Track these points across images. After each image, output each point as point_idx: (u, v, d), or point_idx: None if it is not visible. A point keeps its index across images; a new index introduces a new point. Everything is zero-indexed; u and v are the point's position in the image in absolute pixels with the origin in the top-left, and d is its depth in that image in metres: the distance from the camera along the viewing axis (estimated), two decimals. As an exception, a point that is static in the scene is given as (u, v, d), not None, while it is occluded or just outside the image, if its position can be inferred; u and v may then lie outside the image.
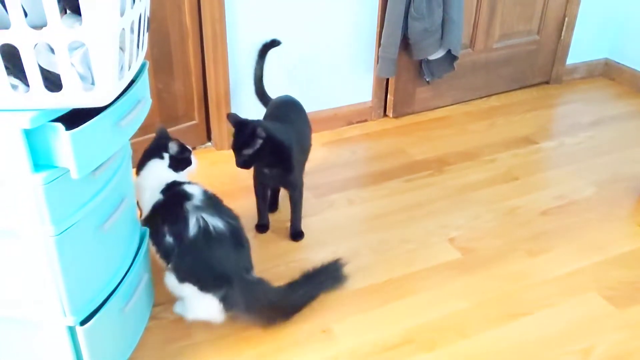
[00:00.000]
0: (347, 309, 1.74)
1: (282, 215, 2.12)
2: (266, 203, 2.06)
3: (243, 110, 2.51)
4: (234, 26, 2.35)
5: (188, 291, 1.54)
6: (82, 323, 1.33)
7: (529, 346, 1.63)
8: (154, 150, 1.72)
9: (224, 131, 2.50)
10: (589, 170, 2.45)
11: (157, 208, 1.60)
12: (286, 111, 2.05)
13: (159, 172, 1.67)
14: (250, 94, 2.50)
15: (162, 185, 1.62)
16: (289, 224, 2.03)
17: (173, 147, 1.68)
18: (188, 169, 1.72)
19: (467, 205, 2.23)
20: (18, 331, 1.37)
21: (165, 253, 1.56)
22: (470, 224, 2.12)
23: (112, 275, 1.43)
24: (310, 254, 1.95)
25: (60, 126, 1.11)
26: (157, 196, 1.61)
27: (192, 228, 1.49)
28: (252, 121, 1.81)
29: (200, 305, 1.55)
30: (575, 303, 1.77)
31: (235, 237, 1.55)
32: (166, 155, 1.69)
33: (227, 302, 1.52)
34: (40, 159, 1.15)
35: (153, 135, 2.37)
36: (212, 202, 1.58)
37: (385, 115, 2.84)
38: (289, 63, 2.52)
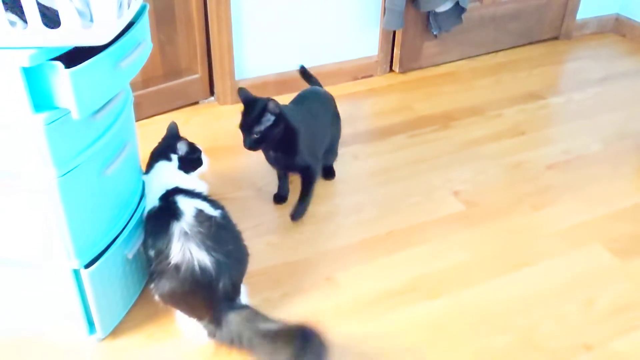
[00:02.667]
0: (351, 259, 1.74)
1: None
2: (287, 176, 1.97)
3: (247, 63, 2.48)
4: (237, -24, 2.30)
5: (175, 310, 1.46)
6: (87, 267, 1.34)
7: (532, 296, 1.63)
8: (162, 151, 1.62)
9: (227, 85, 2.47)
10: (596, 126, 2.42)
11: (150, 214, 1.48)
12: (309, 101, 1.96)
13: (166, 175, 1.56)
14: (253, 46, 2.46)
15: (163, 190, 1.49)
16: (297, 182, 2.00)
17: (182, 148, 1.60)
18: (199, 169, 1.64)
19: (472, 159, 2.21)
20: (25, 275, 1.39)
21: (148, 264, 1.44)
22: (475, 178, 2.11)
23: (116, 220, 1.44)
24: (314, 208, 1.94)
25: (59, 65, 1.09)
26: (155, 201, 1.48)
27: (175, 256, 1.35)
28: (263, 98, 1.73)
29: (187, 326, 1.45)
30: (579, 255, 1.77)
31: (222, 271, 1.36)
32: (174, 157, 1.60)
33: (210, 332, 1.40)
34: (40, 100, 1.14)
35: (156, 88, 2.37)
36: (206, 227, 1.38)
37: (391, 70, 2.80)
38: (294, 15, 2.47)
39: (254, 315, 1.37)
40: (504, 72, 2.84)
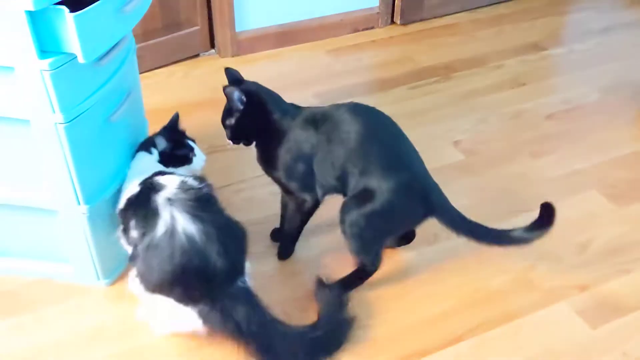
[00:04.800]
0: (352, 206, 1.78)
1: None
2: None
3: (247, 14, 2.46)
4: None
5: (159, 301, 1.30)
6: (92, 212, 1.38)
7: (529, 240, 1.67)
8: (145, 142, 1.50)
9: (227, 37, 2.46)
10: (597, 76, 2.43)
11: (130, 200, 1.37)
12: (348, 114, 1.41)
13: (145, 167, 1.43)
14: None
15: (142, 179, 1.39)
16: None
17: (160, 143, 1.47)
18: (186, 167, 1.49)
19: (472, 110, 2.23)
20: (34, 221, 1.43)
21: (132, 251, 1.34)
22: (476, 128, 2.13)
23: (122, 167, 1.46)
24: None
25: (64, 9, 1.10)
26: (135, 188, 1.37)
27: (160, 227, 1.24)
28: (242, 83, 1.44)
29: (177, 316, 1.31)
30: (576, 200, 1.81)
31: (211, 241, 1.25)
32: (154, 150, 1.47)
33: (205, 319, 1.28)
34: (46, 45, 1.15)
35: (156, 41, 2.36)
36: (191, 194, 1.29)
37: (392, 22, 2.78)
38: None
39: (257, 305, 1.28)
40: (506, 23, 2.82)
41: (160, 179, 1.34)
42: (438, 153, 2.00)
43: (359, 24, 2.70)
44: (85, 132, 1.29)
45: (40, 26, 1.13)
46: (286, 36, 2.55)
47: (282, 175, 1.45)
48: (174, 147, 1.49)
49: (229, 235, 1.30)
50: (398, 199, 1.36)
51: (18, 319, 1.45)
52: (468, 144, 2.05)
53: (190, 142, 1.53)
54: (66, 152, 1.27)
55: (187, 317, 1.28)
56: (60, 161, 1.28)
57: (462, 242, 1.65)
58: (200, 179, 1.38)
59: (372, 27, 2.74)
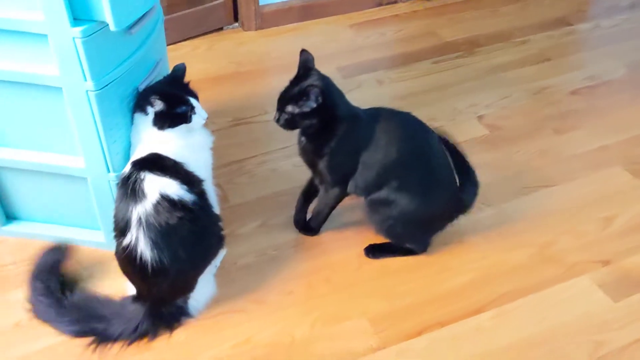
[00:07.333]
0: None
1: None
2: (305, 198, 1.64)
3: (271, -12, 2.46)
4: None
5: None
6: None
7: (551, 214, 1.68)
8: (140, 100, 1.37)
9: (251, 10, 2.46)
10: (623, 52, 2.39)
11: (120, 181, 1.34)
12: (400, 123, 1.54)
13: (144, 134, 1.37)
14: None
15: (140, 153, 1.35)
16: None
17: (157, 104, 1.32)
18: (184, 125, 1.36)
19: (496, 85, 2.21)
20: (66, 187, 1.47)
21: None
22: (499, 103, 2.12)
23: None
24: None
25: (96, -24, 1.12)
26: (128, 166, 1.34)
27: (126, 239, 1.30)
28: (316, 75, 1.41)
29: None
30: (600, 176, 1.80)
31: (161, 274, 1.31)
32: (150, 110, 1.34)
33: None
34: (79, 13, 1.17)
35: (180, 14, 2.37)
36: (163, 219, 1.28)
37: (415, -4, 2.76)
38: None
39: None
40: (531, -2, 2.79)
41: (145, 181, 1.29)
42: (461, 127, 2.00)
43: (382, -2, 2.68)
44: (115, 99, 1.31)
45: (72, -6, 1.14)
46: (309, 10, 2.54)
47: (326, 166, 1.48)
48: (172, 104, 1.34)
49: (185, 265, 1.34)
50: (432, 210, 1.50)
51: (49, 282, 1.49)
52: (491, 119, 2.04)
53: (192, 99, 1.38)
54: (97, 119, 1.29)
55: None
56: (90, 128, 1.31)
57: (483, 216, 1.67)
58: (190, 182, 1.34)
59: (396, 2, 2.71)
